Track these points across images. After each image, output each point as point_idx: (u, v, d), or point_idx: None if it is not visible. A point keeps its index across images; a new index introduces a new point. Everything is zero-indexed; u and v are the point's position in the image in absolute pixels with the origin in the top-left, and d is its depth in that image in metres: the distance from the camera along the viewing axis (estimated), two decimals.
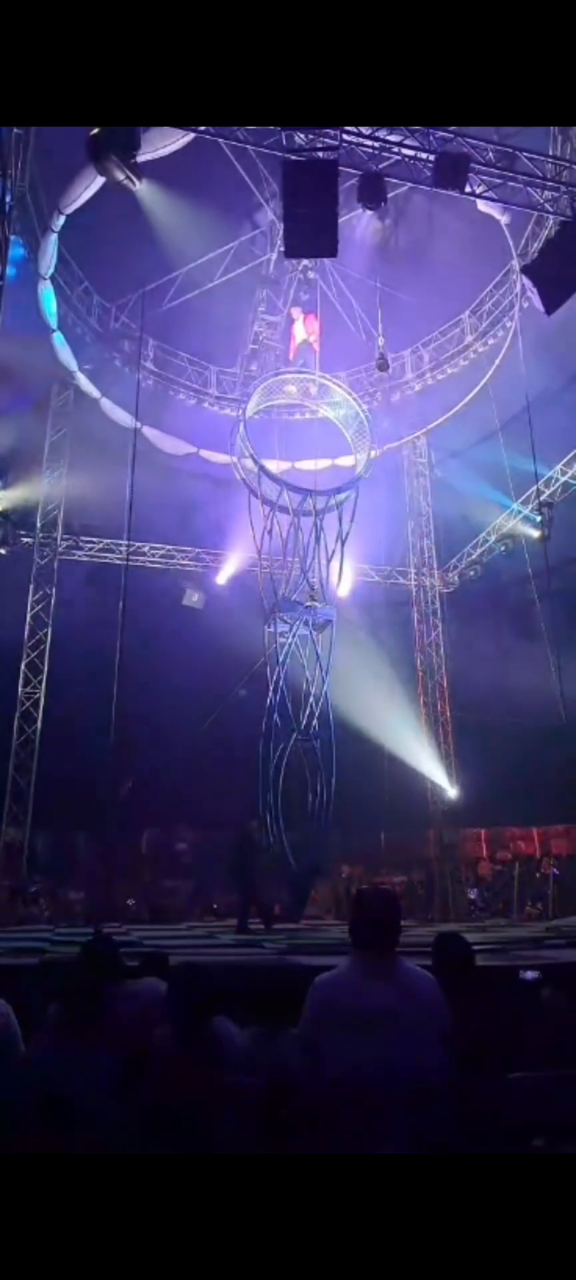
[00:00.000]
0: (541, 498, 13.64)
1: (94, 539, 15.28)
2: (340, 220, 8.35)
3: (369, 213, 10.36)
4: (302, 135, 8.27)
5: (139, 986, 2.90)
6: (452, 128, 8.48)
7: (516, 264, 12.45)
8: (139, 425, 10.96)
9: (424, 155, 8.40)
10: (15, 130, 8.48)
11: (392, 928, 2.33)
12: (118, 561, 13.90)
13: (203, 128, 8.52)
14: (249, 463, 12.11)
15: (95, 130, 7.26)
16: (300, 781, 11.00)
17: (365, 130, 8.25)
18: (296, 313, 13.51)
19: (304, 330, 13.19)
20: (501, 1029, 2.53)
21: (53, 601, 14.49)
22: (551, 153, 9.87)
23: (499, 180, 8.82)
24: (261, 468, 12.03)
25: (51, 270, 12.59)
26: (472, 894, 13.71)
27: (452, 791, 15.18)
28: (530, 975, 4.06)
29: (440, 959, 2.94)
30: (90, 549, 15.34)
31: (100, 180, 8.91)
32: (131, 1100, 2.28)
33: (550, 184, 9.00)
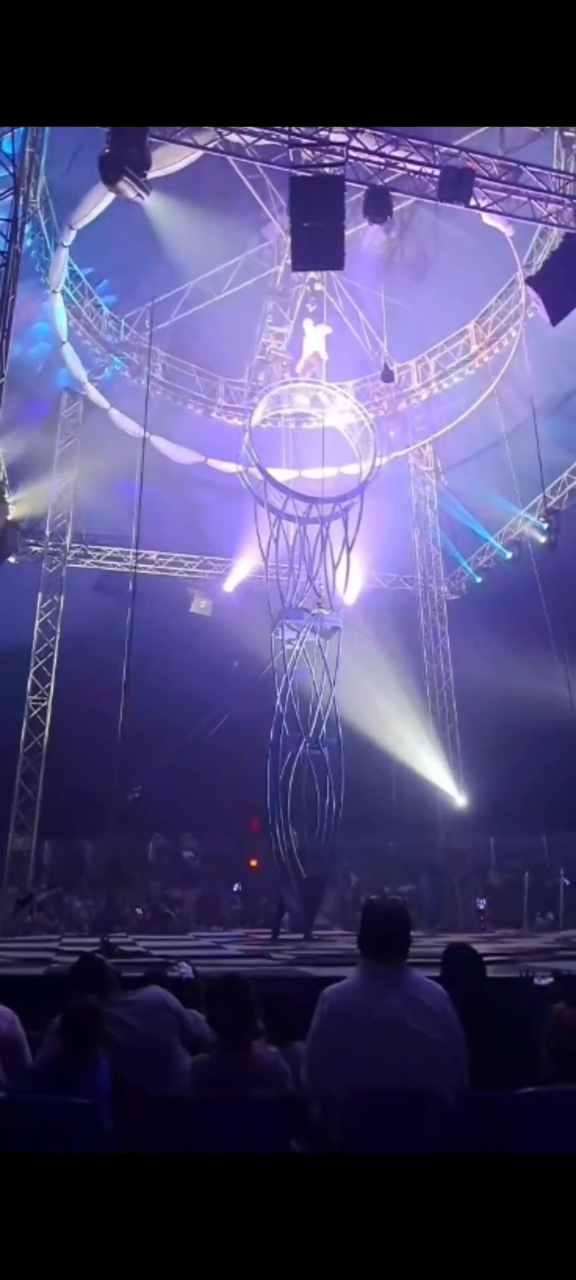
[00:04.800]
0: (548, 505, 13.63)
1: (102, 547, 15.39)
2: (347, 233, 8.43)
3: (375, 225, 10.41)
4: (310, 151, 8.36)
5: (138, 996, 2.94)
6: (457, 143, 8.55)
7: (521, 275, 12.48)
8: (147, 435, 11.05)
9: (429, 170, 8.47)
10: (28, 149, 8.62)
11: (402, 938, 2.33)
12: (126, 570, 13.98)
13: (211, 145, 8.63)
14: (255, 471, 12.17)
15: (106, 149, 7.37)
16: (309, 789, 10.98)
17: (371, 146, 8.33)
18: (309, 325, 13.61)
19: (314, 342, 13.27)
20: (512, 1042, 2.53)
21: (61, 609, 14.59)
22: (555, 166, 9.92)
23: (503, 194, 8.87)
24: (267, 476, 12.08)
25: (62, 285, 12.76)
26: (481, 904, 13.58)
27: (461, 799, 15.10)
28: (545, 981, 4.05)
29: (450, 970, 2.94)
30: (98, 557, 15.44)
31: (111, 196, 9.03)
32: (127, 1107, 2.30)
33: (553, 197, 9.04)
